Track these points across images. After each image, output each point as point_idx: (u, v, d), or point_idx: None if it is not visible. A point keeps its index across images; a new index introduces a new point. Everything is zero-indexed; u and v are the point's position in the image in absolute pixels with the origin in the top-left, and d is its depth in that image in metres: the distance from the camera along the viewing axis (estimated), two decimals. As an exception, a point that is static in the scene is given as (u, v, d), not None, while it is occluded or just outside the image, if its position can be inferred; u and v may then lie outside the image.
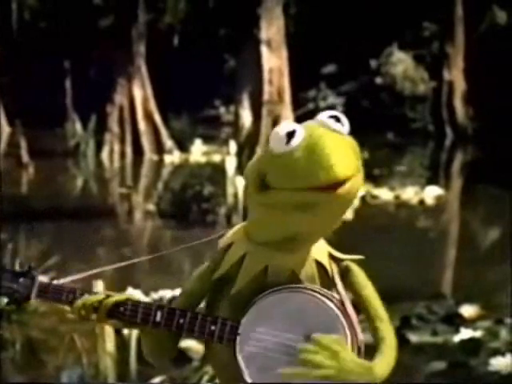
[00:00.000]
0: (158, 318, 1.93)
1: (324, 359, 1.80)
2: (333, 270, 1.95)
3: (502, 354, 5.26)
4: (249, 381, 1.88)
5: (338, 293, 1.93)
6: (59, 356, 5.30)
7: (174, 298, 2.05)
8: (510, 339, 5.62)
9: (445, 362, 5.35)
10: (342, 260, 1.96)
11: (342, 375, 1.81)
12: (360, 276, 1.96)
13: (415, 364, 5.52)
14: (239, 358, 1.88)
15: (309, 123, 1.90)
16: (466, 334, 5.71)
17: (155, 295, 6.30)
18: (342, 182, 1.82)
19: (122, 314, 1.96)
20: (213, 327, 1.90)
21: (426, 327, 5.89)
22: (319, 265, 1.94)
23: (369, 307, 1.94)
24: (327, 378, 1.80)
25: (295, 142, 1.84)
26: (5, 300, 2.04)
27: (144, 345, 2.02)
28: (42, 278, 2.05)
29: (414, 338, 5.71)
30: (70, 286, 2.01)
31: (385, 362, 1.90)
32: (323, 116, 1.89)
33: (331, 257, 1.97)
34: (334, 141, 1.84)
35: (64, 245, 8.34)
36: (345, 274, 1.96)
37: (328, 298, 1.88)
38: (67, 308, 2.01)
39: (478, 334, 5.71)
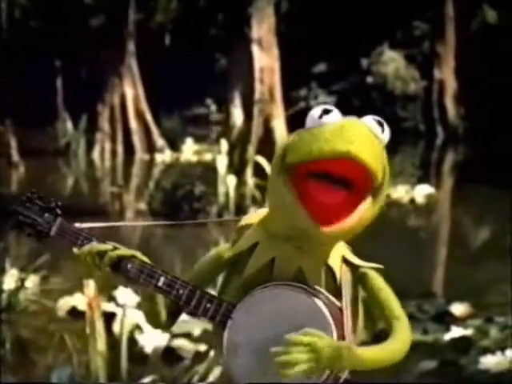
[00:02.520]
0: (161, 282, 1.95)
1: (298, 355, 1.78)
2: (342, 275, 1.94)
3: (493, 352, 5.27)
4: (226, 366, 1.90)
5: (341, 299, 1.91)
6: (49, 355, 5.28)
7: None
8: (500, 337, 5.64)
9: (435, 360, 5.35)
10: (359, 267, 1.96)
11: (322, 364, 1.79)
12: (377, 281, 1.95)
13: (406, 363, 5.53)
14: (225, 341, 1.90)
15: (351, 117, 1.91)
16: (456, 332, 5.72)
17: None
18: (340, 181, 1.81)
19: (127, 270, 1.97)
20: (208, 305, 1.91)
21: (416, 326, 5.90)
22: (328, 268, 1.94)
23: (385, 308, 1.94)
24: (310, 371, 1.79)
25: (328, 118, 1.86)
26: (27, 231, 2.05)
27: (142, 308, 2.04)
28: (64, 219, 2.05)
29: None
30: (88, 233, 2.03)
31: (377, 350, 1.88)
32: (368, 118, 1.90)
33: (346, 262, 1.96)
34: (362, 132, 1.85)
35: (55, 244, 8.32)
36: (362, 280, 1.95)
37: (323, 302, 1.87)
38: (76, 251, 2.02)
39: (468, 332, 5.72)
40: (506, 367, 5.11)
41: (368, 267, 1.97)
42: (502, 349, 5.29)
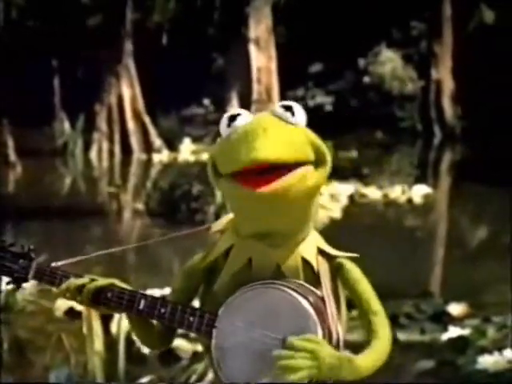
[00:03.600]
0: (141, 305, 1.96)
1: (301, 361, 1.78)
2: (319, 266, 1.93)
3: (490, 352, 5.28)
4: (221, 374, 1.90)
5: (321, 290, 1.91)
6: (47, 356, 5.28)
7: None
8: (497, 337, 5.64)
9: (433, 360, 5.36)
10: (335, 257, 1.95)
11: (323, 372, 1.79)
12: (353, 272, 1.94)
13: (403, 362, 5.53)
14: (213, 350, 1.90)
15: (260, 113, 1.91)
16: (454, 332, 5.72)
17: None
18: (269, 170, 1.80)
19: (108, 299, 1.99)
20: (191, 318, 1.92)
21: (414, 326, 5.90)
22: (305, 261, 1.94)
23: (362, 302, 1.93)
24: (310, 378, 1.79)
25: (234, 124, 1.86)
26: (5, 279, 2.09)
27: (133, 332, 2.06)
28: (39, 261, 2.09)
29: (402, 336, 5.72)
30: (65, 270, 2.04)
31: (371, 356, 1.88)
32: (276, 106, 1.89)
33: (322, 253, 1.96)
34: (266, 130, 1.83)
35: (52, 244, 8.31)
36: (338, 271, 1.94)
37: (303, 296, 1.87)
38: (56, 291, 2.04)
39: (465, 332, 5.73)
40: (504, 367, 5.12)
41: (343, 257, 1.96)
42: (500, 349, 5.29)
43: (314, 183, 1.87)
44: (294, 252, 1.92)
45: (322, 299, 1.90)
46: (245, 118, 1.87)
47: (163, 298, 1.97)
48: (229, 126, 1.88)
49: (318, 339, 1.81)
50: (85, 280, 2.00)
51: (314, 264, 1.93)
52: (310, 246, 1.94)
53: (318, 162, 1.88)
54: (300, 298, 1.86)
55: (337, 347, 1.88)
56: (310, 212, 1.92)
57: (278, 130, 1.84)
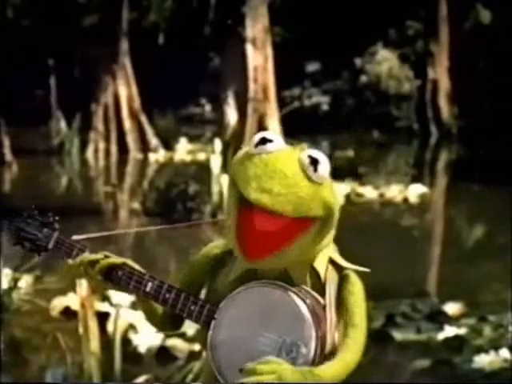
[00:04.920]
0: (148, 288, 2.03)
1: (263, 369, 1.82)
2: (328, 275, 1.95)
3: (486, 351, 5.29)
4: (214, 367, 1.93)
5: (324, 298, 1.93)
6: (43, 355, 5.28)
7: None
8: (493, 337, 5.65)
9: (429, 359, 5.36)
10: (344, 268, 1.97)
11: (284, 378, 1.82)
12: (354, 285, 1.96)
13: (399, 362, 5.54)
14: (209, 341, 1.94)
15: (292, 148, 1.90)
16: (449, 331, 5.73)
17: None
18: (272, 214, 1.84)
19: (118, 278, 2.05)
20: (192, 307, 1.97)
21: (410, 325, 5.91)
22: (313, 268, 1.95)
23: (348, 313, 1.94)
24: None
25: (264, 148, 1.87)
26: (27, 245, 2.15)
27: (143, 312, 2.10)
28: (61, 232, 2.15)
29: (398, 335, 5.73)
30: (84, 244, 2.10)
31: (334, 366, 1.89)
32: (306, 153, 1.88)
33: (333, 263, 1.98)
34: (282, 175, 1.84)
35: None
36: (342, 281, 1.97)
37: (301, 299, 1.89)
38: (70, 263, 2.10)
39: (461, 331, 5.74)
40: (500, 366, 5.13)
41: (352, 269, 1.98)
42: (496, 348, 5.30)
43: (308, 249, 1.90)
44: (304, 259, 1.95)
45: (324, 307, 1.92)
46: (276, 146, 1.87)
47: (169, 284, 2.01)
48: (257, 146, 1.88)
49: (275, 360, 1.83)
50: (99, 256, 2.06)
51: (322, 273, 1.96)
52: (322, 255, 1.97)
53: (325, 219, 1.90)
54: (298, 301, 1.88)
55: (331, 355, 1.90)
56: (319, 249, 1.94)
57: (292, 181, 1.85)
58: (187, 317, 1.99)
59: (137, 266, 2.06)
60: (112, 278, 2.05)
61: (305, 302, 1.89)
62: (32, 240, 2.15)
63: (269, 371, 1.81)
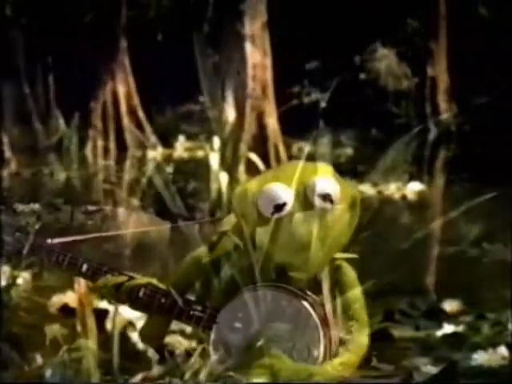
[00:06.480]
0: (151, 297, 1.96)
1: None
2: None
3: (484, 348, 5.29)
4: (218, 367, 1.92)
5: (322, 293, 1.93)
6: (41, 353, 5.27)
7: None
8: (492, 334, 5.65)
9: (428, 357, 5.36)
10: (334, 258, 1.97)
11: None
12: (349, 276, 1.97)
13: (398, 359, 5.53)
14: (211, 344, 1.92)
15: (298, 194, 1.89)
16: (448, 329, 5.73)
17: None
18: None
19: (138, 297, 1.99)
20: (191, 312, 1.94)
21: (408, 322, 5.91)
22: None
23: (349, 307, 1.95)
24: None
25: (281, 215, 1.87)
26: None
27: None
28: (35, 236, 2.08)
29: (396, 333, 5.72)
30: (62, 250, 2.05)
31: (334, 367, 1.89)
32: (316, 198, 1.88)
33: None
34: (308, 239, 1.93)
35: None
36: (335, 271, 1.97)
37: (304, 299, 1.89)
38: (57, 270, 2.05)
39: (460, 328, 5.74)
40: (498, 364, 5.13)
41: (342, 258, 1.99)
42: (494, 345, 5.30)
43: None
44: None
45: (323, 305, 1.92)
46: (289, 206, 1.88)
47: (164, 289, 1.98)
48: (273, 213, 1.88)
49: (274, 353, 1.83)
50: (123, 278, 1.99)
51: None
52: None
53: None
54: (306, 305, 1.88)
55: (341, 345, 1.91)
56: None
57: (317, 247, 1.95)
58: (185, 321, 1.96)
59: (161, 285, 2.01)
60: (132, 298, 2.00)
61: (313, 307, 1.89)
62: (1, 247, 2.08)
63: (265, 366, 1.80)
